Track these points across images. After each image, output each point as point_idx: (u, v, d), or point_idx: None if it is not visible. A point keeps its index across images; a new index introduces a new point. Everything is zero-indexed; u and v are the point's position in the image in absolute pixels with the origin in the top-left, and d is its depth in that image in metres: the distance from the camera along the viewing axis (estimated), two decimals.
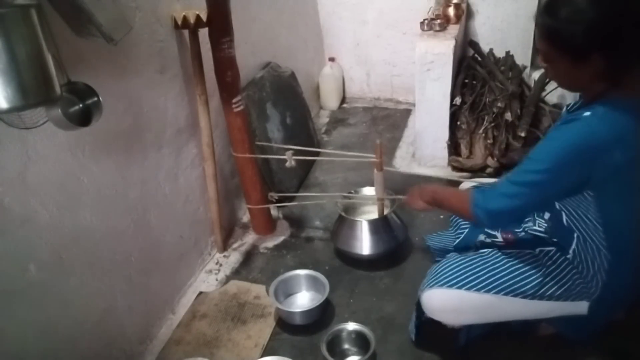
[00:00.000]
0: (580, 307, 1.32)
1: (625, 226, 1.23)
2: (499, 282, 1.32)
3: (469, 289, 1.33)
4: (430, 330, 1.52)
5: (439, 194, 1.46)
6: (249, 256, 2.07)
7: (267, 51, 2.51)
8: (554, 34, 1.12)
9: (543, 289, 1.31)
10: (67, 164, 1.30)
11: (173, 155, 1.77)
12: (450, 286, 1.34)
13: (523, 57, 2.88)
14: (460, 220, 1.76)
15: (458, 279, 1.34)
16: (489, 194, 1.25)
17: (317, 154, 2.40)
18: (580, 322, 1.36)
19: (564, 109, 1.32)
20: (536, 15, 1.27)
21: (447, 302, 1.36)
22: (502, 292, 1.32)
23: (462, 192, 1.36)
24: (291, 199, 2.33)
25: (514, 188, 1.20)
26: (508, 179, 1.22)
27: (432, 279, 1.38)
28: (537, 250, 1.37)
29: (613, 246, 1.24)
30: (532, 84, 2.68)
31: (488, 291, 1.32)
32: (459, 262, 1.39)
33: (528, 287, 1.31)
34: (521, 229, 1.55)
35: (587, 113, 1.12)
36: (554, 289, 1.31)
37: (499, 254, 1.39)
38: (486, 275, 1.34)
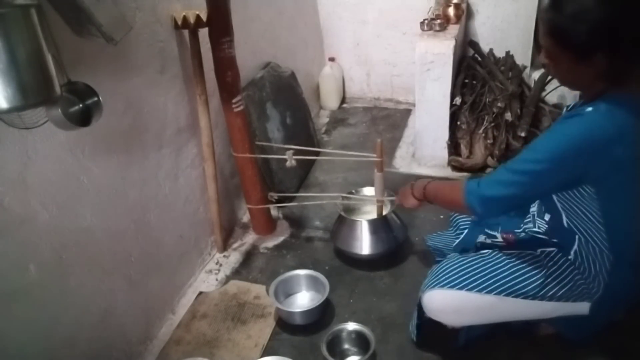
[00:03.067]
0: (582, 307, 1.32)
1: (627, 225, 1.23)
2: (499, 282, 1.32)
3: (470, 289, 1.32)
4: (430, 330, 1.52)
5: (431, 187, 1.45)
6: (249, 256, 2.07)
7: (267, 51, 2.51)
8: (558, 31, 1.12)
9: (544, 290, 1.31)
10: (67, 164, 1.30)
11: (173, 155, 1.77)
12: (452, 287, 1.34)
13: (523, 57, 2.88)
14: (460, 220, 1.75)
15: (459, 280, 1.34)
16: (484, 181, 1.25)
17: (317, 153, 2.40)
18: (581, 322, 1.36)
19: (564, 110, 1.33)
20: (541, 11, 1.27)
21: (448, 303, 1.36)
22: (503, 293, 1.32)
23: (454, 182, 1.35)
24: (291, 199, 2.33)
25: (510, 175, 1.20)
26: (505, 167, 1.23)
27: (433, 280, 1.38)
28: (538, 251, 1.37)
29: (614, 246, 1.24)
30: (532, 84, 2.68)
31: (489, 292, 1.32)
32: (460, 263, 1.39)
33: (529, 287, 1.31)
34: (521, 230, 1.54)
35: (590, 108, 1.12)
36: (555, 289, 1.31)
37: (500, 254, 1.39)
38: (487, 276, 1.34)
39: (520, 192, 1.21)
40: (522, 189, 1.20)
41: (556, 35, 1.13)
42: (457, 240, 1.72)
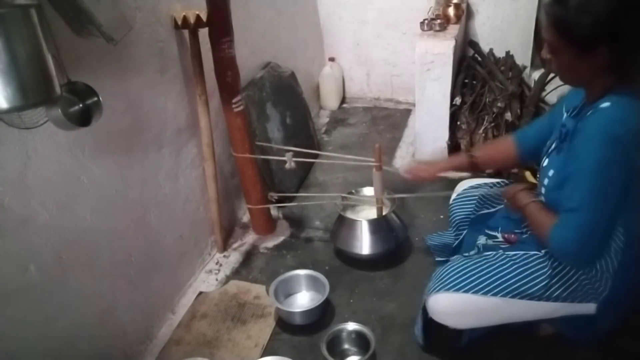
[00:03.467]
0: (588, 308, 1.32)
1: None
2: (505, 284, 1.31)
3: (475, 292, 1.32)
4: (432, 331, 1.52)
5: (527, 211, 1.35)
6: (249, 256, 2.07)
7: (267, 51, 2.51)
8: (561, 24, 1.12)
9: (549, 291, 1.30)
10: (67, 164, 1.30)
11: (173, 155, 1.77)
12: (457, 290, 1.33)
13: (523, 57, 2.88)
14: (460, 220, 1.75)
15: (464, 283, 1.33)
16: (562, 236, 1.19)
17: (317, 155, 2.40)
18: (582, 322, 1.36)
19: (565, 115, 1.31)
20: (544, 4, 1.27)
21: (454, 305, 1.35)
22: (509, 295, 1.31)
23: (545, 219, 1.25)
24: (291, 199, 2.33)
25: (577, 217, 1.15)
26: (566, 211, 1.18)
27: (438, 283, 1.37)
28: (543, 251, 1.36)
29: (628, 246, 1.24)
30: (532, 84, 2.68)
31: (495, 294, 1.31)
32: (465, 266, 1.38)
33: (534, 289, 1.30)
34: (523, 229, 1.53)
35: (606, 104, 1.12)
36: (560, 290, 1.30)
37: (504, 256, 1.38)
38: (492, 278, 1.33)
39: (597, 225, 1.16)
40: (596, 221, 1.15)
41: (559, 27, 1.12)
42: (457, 240, 1.72)
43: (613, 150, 1.10)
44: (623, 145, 1.09)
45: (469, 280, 1.34)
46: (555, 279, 1.30)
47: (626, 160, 1.11)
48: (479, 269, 1.36)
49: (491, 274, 1.34)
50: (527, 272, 1.33)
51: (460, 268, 1.37)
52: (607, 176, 1.12)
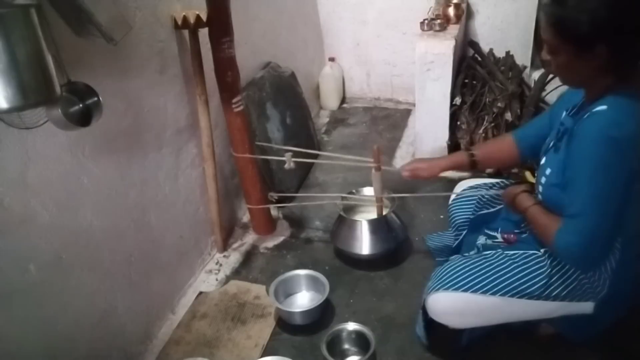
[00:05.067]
0: (586, 307, 1.32)
1: (638, 224, 1.22)
2: (504, 283, 1.31)
3: (474, 291, 1.32)
4: (434, 330, 1.52)
5: (529, 214, 1.32)
6: (249, 256, 2.07)
7: (267, 51, 2.51)
8: (559, 22, 1.11)
9: (548, 290, 1.30)
10: (67, 164, 1.30)
11: (173, 155, 1.77)
12: (456, 289, 1.33)
13: (523, 57, 2.88)
14: (459, 220, 1.75)
15: (463, 282, 1.33)
16: (566, 240, 1.17)
17: (317, 156, 2.40)
18: (582, 322, 1.36)
19: (563, 113, 1.31)
20: (543, 4, 1.25)
21: (453, 305, 1.35)
22: (508, 294, 1.31)
23: (550, 221, 1.23)
24: (291, 199, 2.33)
25: (579, 222, 1.14)
26: (568, 216, 1.17)
27: (437, 282, 1.37)
28: (542, 250, 1.36)
29: (626, 245, 1.23)
30: (532, 84, 2.68)
31: (494, 293, 1.31)
32: (464, 265, 1.38)
33: (533, 288, 1.30)
34: (523, 229, 1.53)
35: (602, 107, 1.11)
36: (559, 289, 1.30)
37: (503, 255, 1.38)
38: (491, 278, 1.33)
39: (600, 227, 1.14)
40: (599, 223, 1.14)
41: (558, 26, 1.12)
42: (457, 241, 1.72)
43: (610, 154, 1.09)
44: (620, 148, 1.09)
45: (468, 279, 1.34)
46: (554, 278, 1.30)
47: (624, 163, 1.11)
48: (478, 268, 1.36)
49: (490, 273, 1.34)
50: (526, 272, 1.32)
51: (459, 267, 1.37)
52: (606, 180, 1.12)
